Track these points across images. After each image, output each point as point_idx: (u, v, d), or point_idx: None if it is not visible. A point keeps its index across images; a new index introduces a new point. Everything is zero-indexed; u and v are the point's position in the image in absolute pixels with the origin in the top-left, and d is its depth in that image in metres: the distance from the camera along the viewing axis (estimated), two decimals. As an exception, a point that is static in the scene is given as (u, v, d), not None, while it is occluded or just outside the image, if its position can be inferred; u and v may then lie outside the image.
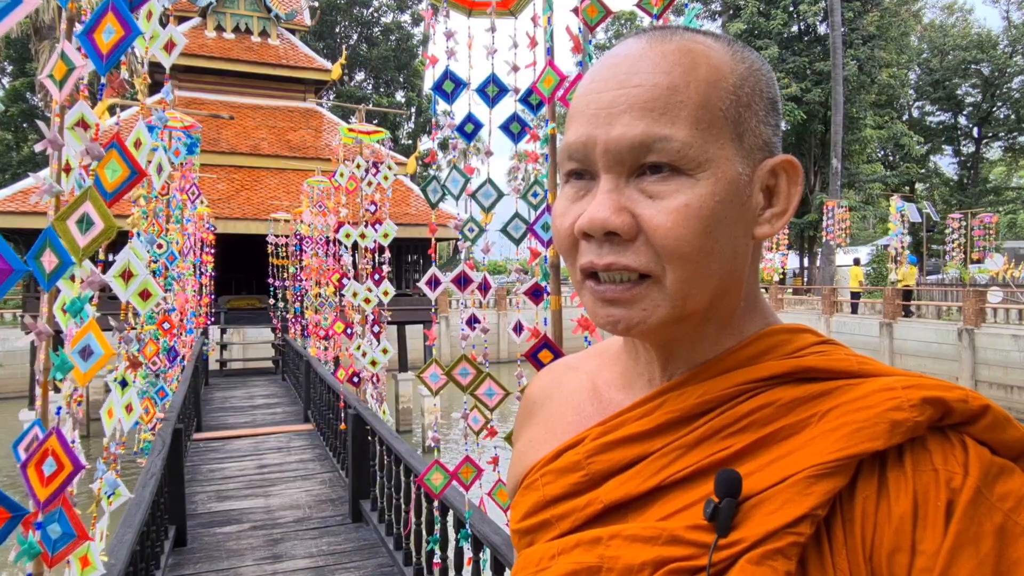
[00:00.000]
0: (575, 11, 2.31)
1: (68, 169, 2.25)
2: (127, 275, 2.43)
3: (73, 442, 2.12)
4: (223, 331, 16.29)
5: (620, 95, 0.62)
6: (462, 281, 2.85)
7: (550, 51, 2.61)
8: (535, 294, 2.79)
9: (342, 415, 7.06)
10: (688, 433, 0.64)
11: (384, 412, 5.68)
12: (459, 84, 2.96)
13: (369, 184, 5.54)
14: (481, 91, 2.78)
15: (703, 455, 0.62)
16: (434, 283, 3.19)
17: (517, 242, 2.83)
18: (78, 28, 2.01)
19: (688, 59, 0.62)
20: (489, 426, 2.85)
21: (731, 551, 0.56)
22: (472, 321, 2.95)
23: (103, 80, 2.16)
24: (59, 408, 1.74)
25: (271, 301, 14.98)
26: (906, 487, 0.54)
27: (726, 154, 0.61)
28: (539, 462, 0.74)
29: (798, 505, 0.55)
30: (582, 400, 0.77)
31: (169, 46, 2.74)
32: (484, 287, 2.87)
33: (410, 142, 36.30)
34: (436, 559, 3.69)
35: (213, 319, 14.47)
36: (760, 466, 0.59)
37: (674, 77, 0.61)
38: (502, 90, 2.79)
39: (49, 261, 1.74)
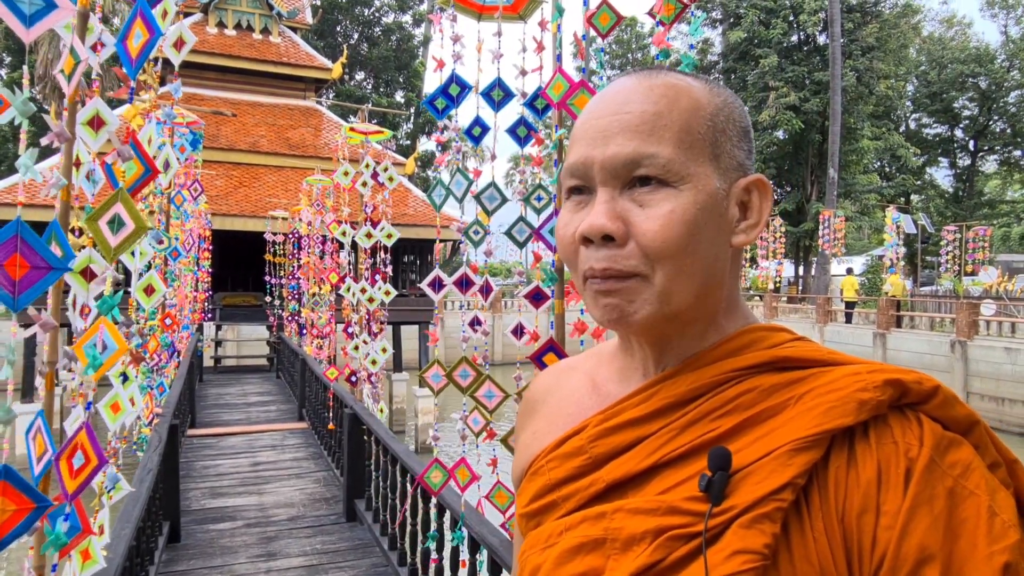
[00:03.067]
0: (588, 19, 2.33)
1: (78, 164, 2.26)
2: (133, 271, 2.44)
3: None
4: (218, 327, 16.25)
5: (614, 120, 0.72)
6: (464, 283, 2.87)
7: (560, 57, 2.63)
8: (536, 297, 2.81)
9: (330, 414, 7.08)
10: (681, 416, 0.72)
11: (381, 410, 5.69)
12: (464, 88, 2.98)
13: (364, 184, 5.56)
14: (486, 95, 2.80)
15: (695, 435, 0.70)
16: (437, 285, 3.20)
17: (521, 245, 2.85)
18: (92, 23, 2.03)
19: (672, 92, 0.73)
20: (488, 428, 2.87)
21: (724, 517, 0.64)
22: (474, 323, 2.97)
23: (132, 84, 2.18)
24: (88, 403, 1.76)
25: (267, 299, 14.94)
26: (871, 457, 0.62)
27: (705, 171, 0.71)
28: (544, 450, 0.82)
29: (781, 475, 0.63)
30: (582, 394, 0.85)
31: (179, 44, 2.75)
32: (486, 290, 2.89)
33: (408, 142, 36.29)
34: (432, 558, 3.70)
35: (209, 315, 14.43)
36: (746, 443, 0.67)
37: (660, 106, 0.72)
38: (507, 95, 2.81)
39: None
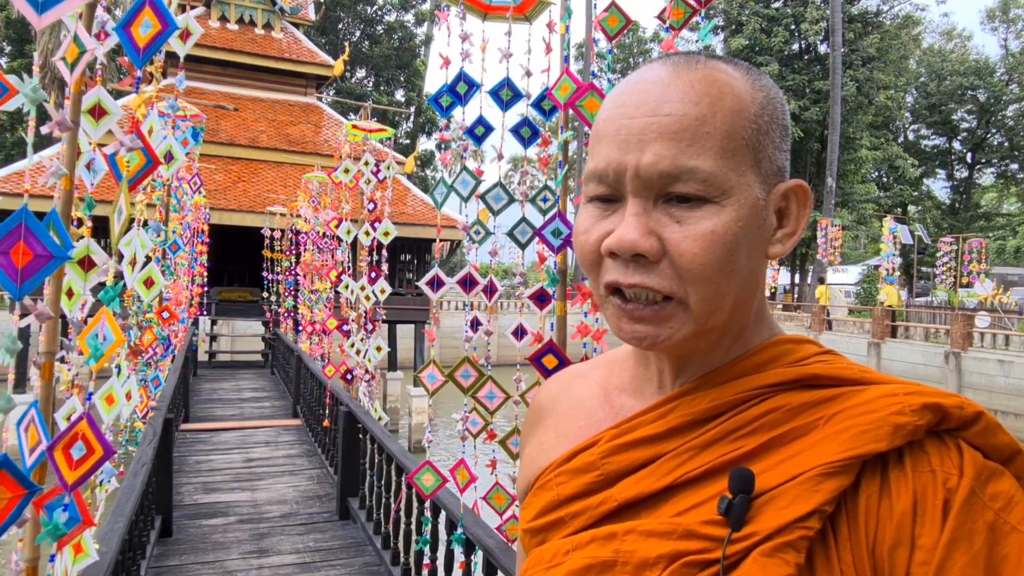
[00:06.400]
0: (597, 21, 2.33)
1: (78, 153, 2.24)
2: (132, 263, 2.42)
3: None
4: (213, 322, 16.20)
5: (651, 123, 0.65)
6: (467, 283, 2.85)
7: (567, 59, 2.62)
8: (540, 299, 2.79)
9: (326, 411, 7.05)
10: (700, 435, 0.68)
11: (376, 410, 5.68)
12: (472, 86, 2.97)
13: (368, 182, 5.54)
14: (495, 94, 2.79)
15: (715, 455, 0.66)
16: (436, 284, 3.19)
17: (523, 246, 2.84)
18: (100, 13, 2.01)
19: (714, 89, 0.66)
20: (489, 429, 2.85)
21: (744, 544, 0.60)
22: (475, 324, 2.95)
23: (139, 73, 2.16)
24: (90, 394, 1.74)
25: (264, 294, 14.91)
26: (906, 486, 0.58)
27: (747, 180, 0.66)
28: (552, 463, 0.77)
29: (808, 501, 0.59)
30: (593, 405, 0.80)
31: (184, 35, 2.73)
32: (490, 290, 2.88)
33: (408, 142, 36.29)
34: (425, 560, 3.68)
35: (205, 310, 14.39)
36: (770, 465, 0.63)
37: (702, 107, 0.65)
38: (516, 95, 2.80)
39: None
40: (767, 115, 0.68)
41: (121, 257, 2.44)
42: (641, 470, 0.69)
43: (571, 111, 2.69)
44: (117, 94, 12.22)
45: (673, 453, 0.68)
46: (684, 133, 0.64)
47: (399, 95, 36.88)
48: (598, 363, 0.86)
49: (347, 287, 6.07)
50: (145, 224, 3.88)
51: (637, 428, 0.71)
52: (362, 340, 6.15)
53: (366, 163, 5.47)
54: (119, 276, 2.20)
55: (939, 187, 40.43)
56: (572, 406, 0.82)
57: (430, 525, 3.62)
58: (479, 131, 3.00)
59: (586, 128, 2.41)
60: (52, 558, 1.73)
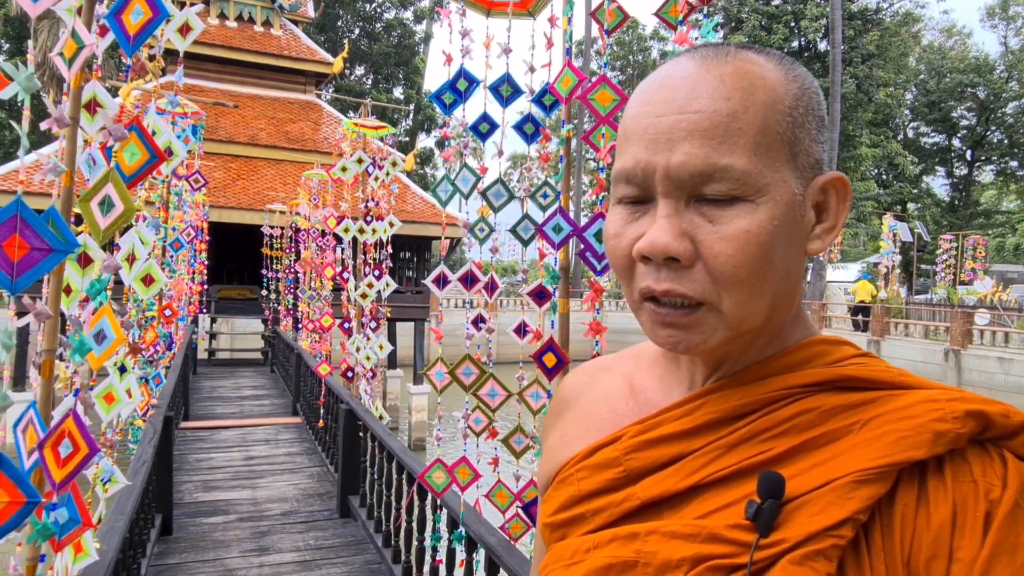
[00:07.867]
0: (593, 15, 2.31)
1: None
2: (130, 259, 2.40)
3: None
4: (213, 320, 16.18)
5: (680, 120, 0.62)
6: (468, 280, 2.84)
7: (569, 52, 2.60)
8: (539, 296, 2.78)
9: (323, 410, 7.03)
10: (729, 434, 0.65)
11: (377, 408, 5.67)
12: (472, 83, 2.95)
13: (375, 179, 5.52)
14: (495, 90, 2.77)
15: (743, 456, 0.64)
16: (441, 281, 3.17)
17: (526, 243, 2.83)
18: (98, 7, 1.99)
19: (746, 82, 0.63)
20: (491, 427, 2.84)
21: (772, 551, 0.58)
22: (478, 321, 2.94)
23: (129, 62, 2.14)
24: (76, 390, 1.72)
25: (263, 292, 14.88)
26: (945, 496, 0.56)
27: (783, 176, 0.63)
28: (574, 457, 0.75)
29: (841, 509, 0.57)
30: (617, 399, 0.78)
31: (184, 30, 2.71)
32: (491, 287, 2.86)
33: (407, 139, 36.25)
34: (426, 558, 3.67)
35: (204, 308, 14.37)
36: (802, 469, 0.61)
37: (733, 103, 0.62)
38: (516, 90, 2.78)
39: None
40: (802, 106, 0.65)
41: (112, 250, 2.42)
42: (665, 468, 0.67)
43: (573, 106, 2.68)
44: (116, 91, 12.18)
45: (699, 452, 0.66)
46: (715, 130, 0.61)
47: (398, 92, 36.83)
48: (625, 356, 0.85)
49: (356, 287, 6.06)
50: (144, 220, 3.86)
51: (662, 424, 0.70)
52: (366, 340, 6.13)
53: (359, 160, 5.45)
54: (115, 271, 2.18)
55: (939, 184, 40.45)
56: (595, 399, 0.80)
57: (436, 522, 3.61)
58: (483, 128, 2.98)
59: (585, 125, 2.40)
60: (42, 558, 1.71)
